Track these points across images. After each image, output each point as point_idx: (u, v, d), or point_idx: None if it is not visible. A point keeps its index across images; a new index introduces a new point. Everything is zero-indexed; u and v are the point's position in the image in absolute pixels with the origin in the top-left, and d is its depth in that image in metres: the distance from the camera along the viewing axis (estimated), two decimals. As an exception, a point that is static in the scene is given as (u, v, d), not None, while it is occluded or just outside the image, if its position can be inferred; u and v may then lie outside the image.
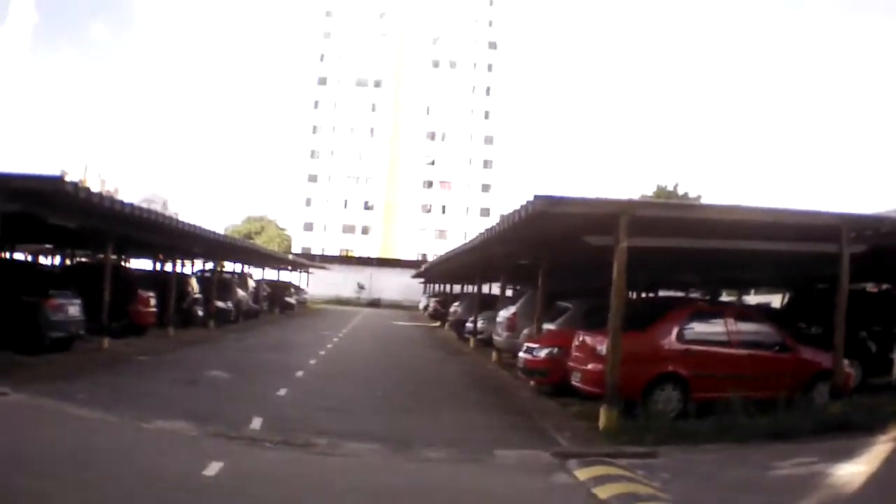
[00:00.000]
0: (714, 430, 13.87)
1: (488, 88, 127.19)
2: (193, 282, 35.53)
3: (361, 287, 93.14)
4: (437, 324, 53.25)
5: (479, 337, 33.97)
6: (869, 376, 19.99)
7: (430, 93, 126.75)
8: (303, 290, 70.35)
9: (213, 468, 10.31)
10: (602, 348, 15.63)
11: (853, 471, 11.23)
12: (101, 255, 29.48)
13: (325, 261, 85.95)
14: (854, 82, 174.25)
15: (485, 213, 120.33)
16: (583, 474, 11.19)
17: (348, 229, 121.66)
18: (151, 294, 28.35)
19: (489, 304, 35.04)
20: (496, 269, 30.84)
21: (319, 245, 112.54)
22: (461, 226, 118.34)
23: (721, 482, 11.16)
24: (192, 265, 44.05)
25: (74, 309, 21.70)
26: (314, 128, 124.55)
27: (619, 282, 14.62)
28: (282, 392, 17.90)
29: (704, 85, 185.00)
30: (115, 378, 18.45)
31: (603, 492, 10.18)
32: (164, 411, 14.15)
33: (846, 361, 17.19)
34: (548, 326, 22.32)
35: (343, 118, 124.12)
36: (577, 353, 17.38)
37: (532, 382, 20.66)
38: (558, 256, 21.95)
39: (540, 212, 14.21)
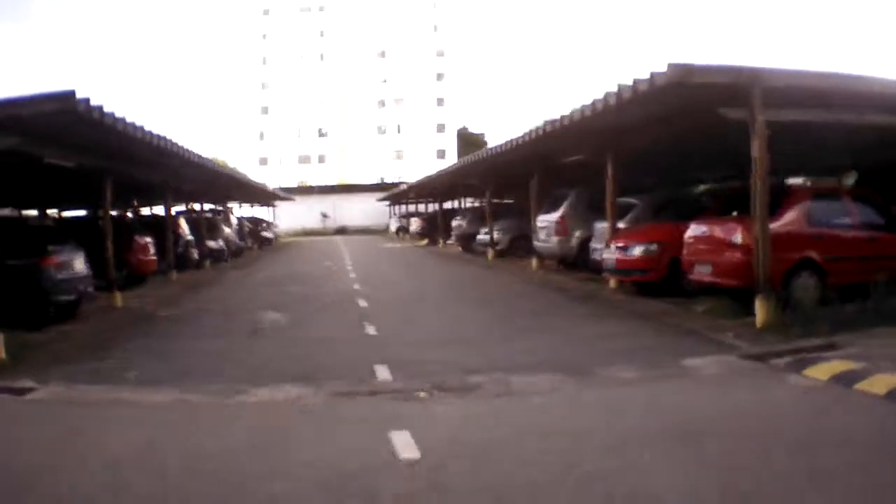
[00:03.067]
0: (864, 314, 12.80)
1: (435, 3, 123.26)
2: (183, 223, 32.61)
3: (325, 216, 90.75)
4: (425, 242, 53.15)
5: (497, 248, 33.49)
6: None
7: (375, 11, 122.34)
8: (273, 223, 68.00)
9: (403, 444, 7.29)
10: (737, 237, 14.66)
11: None
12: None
13: (286, 192, 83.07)
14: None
15: (440, 128, 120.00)
16: (818, 373, 9.61)
17: (304, 160, 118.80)
18: (149, 240, 25.32)
19: (495, 216, 35.11)
20: (519, 175, 28.37)
21: (275, 179, 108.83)
22: (416, 144, 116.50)
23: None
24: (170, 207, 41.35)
25: (80, 264, 18.03)
26: (263, 59, 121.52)
27: (761, 160, 13.19)
28: (370, 329, 15.00)
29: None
30: (158, 342, 14.95)
31: (875, 386, 8.69)
32: (255, 375, 10.90)
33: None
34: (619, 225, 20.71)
35: (291, 47, 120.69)
36: (700, 246, 15.82)
37: (612, 282, 19.94)
38: (627, 146, 19.54)
39: (675, 82, 12.35)
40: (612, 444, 7.15)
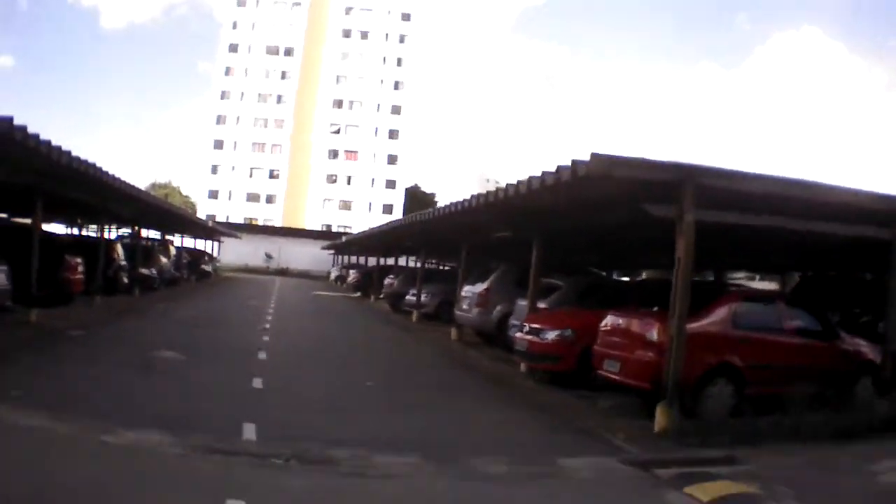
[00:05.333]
0: (777, 429, 11.99)
1: (399, 59, 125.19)
2: (119, 248, 32.72)
3: (269, 257, 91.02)
4: (358, 294, 53.28)
5: (423, 311, 32.90)
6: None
7: (340, 62, 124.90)
8: (215, 258, 67.95)
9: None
10: (653, 334, 13.53)
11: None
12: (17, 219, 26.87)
13: (233, 229, 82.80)
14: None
15: (390, 184, 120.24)
16: (700, 493, 8.80)
17: (253, 198, 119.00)
18: (79, 260, 25.37)
19: (429, 278, 34.84)
20: (451, 242, 28.68)
21: (224, 213, 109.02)
22: (365, 197, 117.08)
23: (843, 494, 9.35)
24: (111, 231, 41.35)
25: (1, 276, 18.52)
26: (222, 93, 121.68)
27: (685, 259, 12.45)
28: (257, 383, 14.93)
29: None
30: (56, 364, 15.12)
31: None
32: (128, 414, 11.04)
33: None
34: (540, 306, 19.99)
35: (252, 85, 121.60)
36: (613, 339, 14.78)
37: (523, 367, 18.73)
38: (554, 228, 19.22)
39: (597, 173, 11.76)
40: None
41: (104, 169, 20.49)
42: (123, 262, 32.30)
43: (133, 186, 24.65)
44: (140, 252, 35.11)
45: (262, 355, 18.96)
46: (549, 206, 16.52)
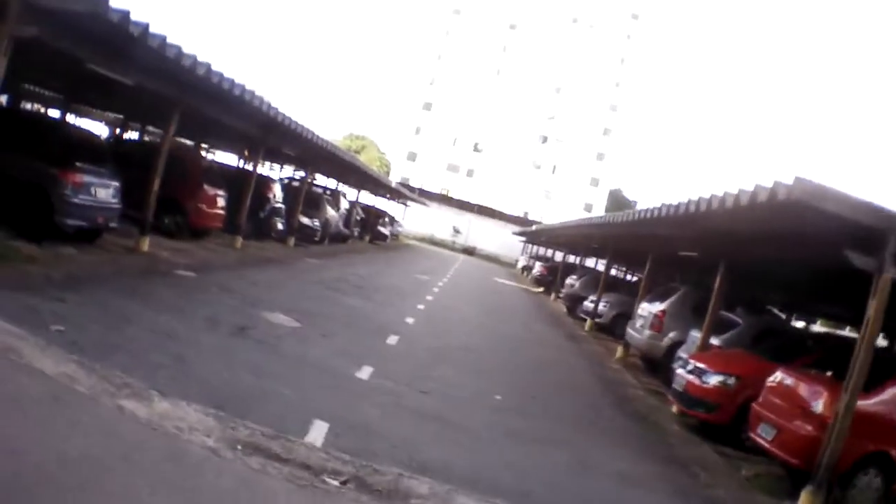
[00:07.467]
0: None
1: (623, 59, 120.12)
2: (276, 188, 30.29)
3: (457, 231, 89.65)
4: (541, 290, 51.18)
5: (597, 320, 30.62)
6: None
7: (563, 47, 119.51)
8: (397, 221, 66.09)
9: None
10: (818, 405, 11.46)
11: None
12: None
13: (424, 196, 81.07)
14: None
15: (594, 182, 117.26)
16: None
17: (453, 168, 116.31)
18: (220, 192, 23.05)
19: (611, 286, 32.85)
20: (638, 253, 27.09)
21: (419, 178, 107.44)
22: (567, 190, 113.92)
23: None
24: (280, 170, 39.46)
25: (107, 192, 16.01)
26: (439, 56, 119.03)
27: (874, 322, 10.46)
28: (364, 372, 12.30)
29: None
30: (130, 301, 12.68)
31: None
32: (178, 381, 8.70)
33: None
34: (713, 342, 17.45)
35: (471, 52, 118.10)
36: (773, 399, 12.61)
37: (675, 408, 16.22)
38: (742, 256, 17.15)
39: (795, 200, 9.97)
40: None
41: (249, 88, 17.76)
42: (280, 205, 29.99)
43: (289, 117, 21.72)
44: (302, 197, 32.73)
45: (392, 339, 16.43)
46: (740, 230, 14.84)
